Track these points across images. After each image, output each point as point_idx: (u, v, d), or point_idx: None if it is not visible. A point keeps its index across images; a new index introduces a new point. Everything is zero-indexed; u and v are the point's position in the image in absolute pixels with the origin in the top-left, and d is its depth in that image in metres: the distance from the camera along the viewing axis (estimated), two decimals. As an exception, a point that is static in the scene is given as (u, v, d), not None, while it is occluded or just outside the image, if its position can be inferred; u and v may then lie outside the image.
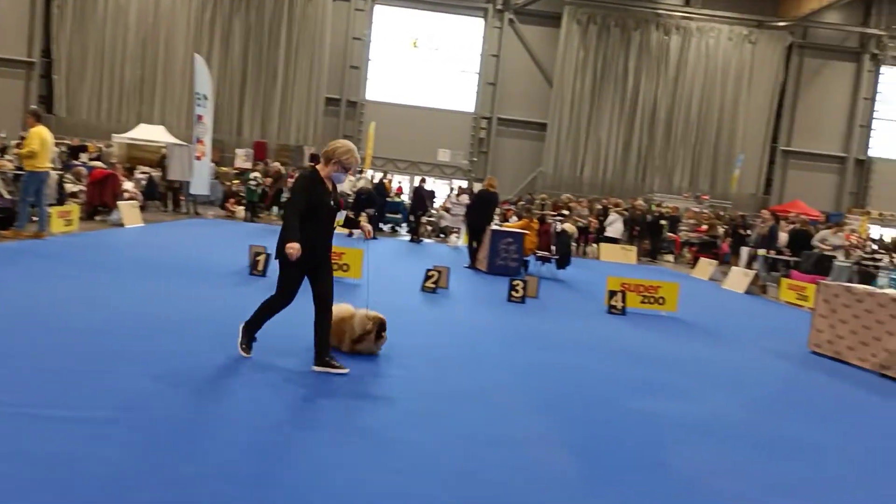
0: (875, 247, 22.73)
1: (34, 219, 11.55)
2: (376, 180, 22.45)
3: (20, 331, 5.70)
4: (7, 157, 16.42)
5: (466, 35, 33.61)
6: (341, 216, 5.80)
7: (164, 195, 20.21)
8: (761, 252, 16.88)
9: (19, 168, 12.99)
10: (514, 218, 19.35)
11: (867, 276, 13.98)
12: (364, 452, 3.95)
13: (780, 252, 16.97)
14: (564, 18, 32.56)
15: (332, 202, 5.42)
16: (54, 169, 14.46)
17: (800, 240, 17.22)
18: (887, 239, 27.77)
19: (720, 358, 8.07)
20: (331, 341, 5.63)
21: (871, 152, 34.81)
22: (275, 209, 21.60)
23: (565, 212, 17.46)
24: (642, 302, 10.77)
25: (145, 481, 3.30)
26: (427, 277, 10.50)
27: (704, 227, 23.20)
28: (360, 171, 21.80)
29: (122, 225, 14.72)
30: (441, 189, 30.19)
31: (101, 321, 6.32)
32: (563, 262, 14.63)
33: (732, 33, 33.00)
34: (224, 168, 26.19)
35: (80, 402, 4.22)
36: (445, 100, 33.44)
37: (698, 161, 33.39)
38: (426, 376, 5.75)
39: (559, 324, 9.14)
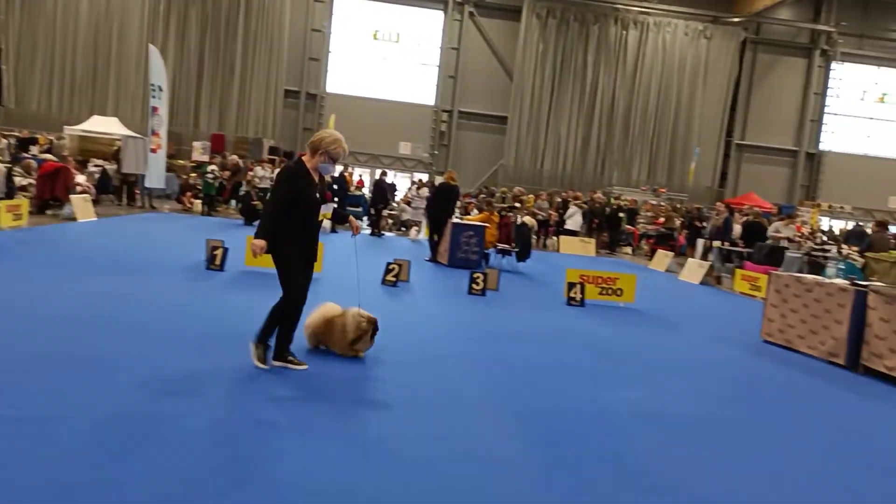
0: (825, 238, 23.39)
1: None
2: (337, 173, 22.28)
3: (-35, 329, 5.53)
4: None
5: (427, 28, 33.55)
6: (329, 209, 5.61)
7: (119, 189, 19.77)
8: (716, 244, 17.23)
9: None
10: (475, 211, 19.41)
11: (817, 267, 14.35)
12: (308, 444, 3.94)
13: (734, 244, 17.36)
14: (524, 12, 32.73)
15: (317, 195, 5.24)
16: (2, 161, 14.05)
17: (753, 231, 17.63)
18: (836, 230, 28.59)
19: (675, 348, 8.23)
20: (321, 341, 5.50)
21: (822, 146, 35.82)
22: (233, 203, 21.30)
23: (516, 204, 17.57)
24: (601, 293, 10.92)
25: (85, 482, 3.23)
26: (388, 271, 10.48)
27: (662, 219, 23.58)
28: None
29: (74, 219, 14.38)
30: (402, 182, 30.15)
31: (51, 318, 6.17)
32: (523, 255, 14.74)
33: (688, 28, 33.55)
34: (181, 161, 25.71)
35: (27, 402, 4.11)
36: (406, 93, 33.37)
37: (656, 154, 33.91)
38: (383, 370, 5.74)
39: (519, 316, 9.21)
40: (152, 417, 4.09)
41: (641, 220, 25.24)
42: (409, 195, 22.82)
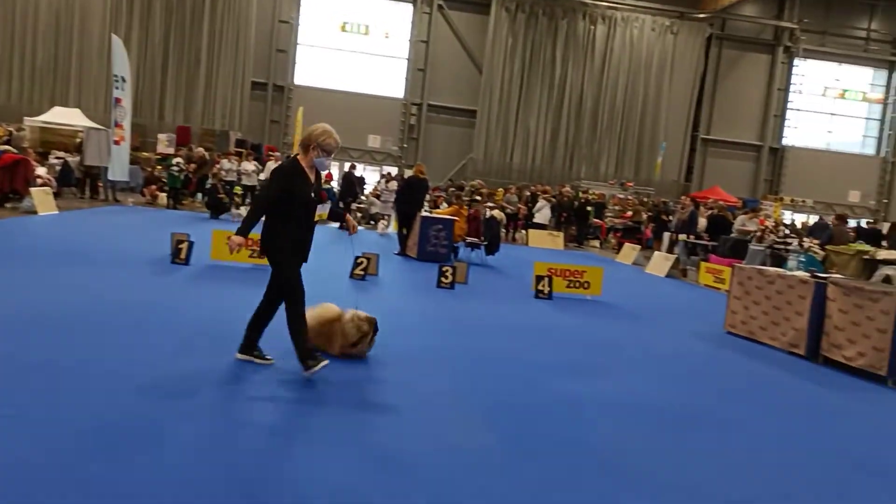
0: (787, 231, 23.83)
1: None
2: (336, 171, 22.13)
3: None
4: None
5: (396, 20, 33.39)
6: (325, 209, 5.45)
7: (81, 181, 19.38)
8: (682, 237, 17.48)
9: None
10: (445, 205, 19.43)
11: (779, 260, 14.64)
12: (285, 440, 3.93)
13: (699, 237, 17.62)
14: (493, 6, 32.77)
15: (312, 194, 5.05)
16: (-41, 153, 13.69)
17: (718, 225, 17.93)
18: (798, 224, 29.14)
19: (641, 339, 8.34)
20: (318, 343, 5.44)
21: (785, 141, 36.50)
22: (199, 196, 21.01)
23: (477, 197, 17.64)
24: (568, 286, 11.01)
25: (51, 480, 3.18)
26: (356, 264, 10.43)
27: (629, 213, 23.85)
28: (288, 157, 21.43)
29: (34, 213, 14.06)
30: (371, 175, 30.02)
31: (10, 313, 6.03)
32: (492, 248, 14.82)
33: (655, 24, 33.89)
34: (145, 153, 25.27)
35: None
36: (375, 85, 33.22)
37: (623, 149, 34.24)
38: (349, 365, 5.72)
39: (487, 309, 9.25)
40: (137, 423, 4.04)
41: (609, 214, 25.50)
42: (378, 188, 22.74)
